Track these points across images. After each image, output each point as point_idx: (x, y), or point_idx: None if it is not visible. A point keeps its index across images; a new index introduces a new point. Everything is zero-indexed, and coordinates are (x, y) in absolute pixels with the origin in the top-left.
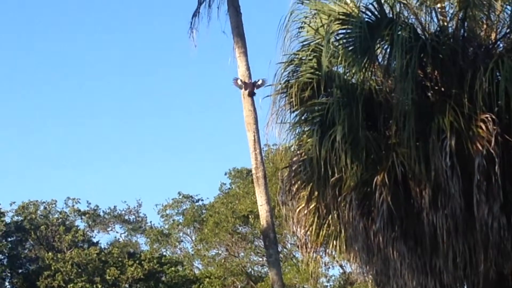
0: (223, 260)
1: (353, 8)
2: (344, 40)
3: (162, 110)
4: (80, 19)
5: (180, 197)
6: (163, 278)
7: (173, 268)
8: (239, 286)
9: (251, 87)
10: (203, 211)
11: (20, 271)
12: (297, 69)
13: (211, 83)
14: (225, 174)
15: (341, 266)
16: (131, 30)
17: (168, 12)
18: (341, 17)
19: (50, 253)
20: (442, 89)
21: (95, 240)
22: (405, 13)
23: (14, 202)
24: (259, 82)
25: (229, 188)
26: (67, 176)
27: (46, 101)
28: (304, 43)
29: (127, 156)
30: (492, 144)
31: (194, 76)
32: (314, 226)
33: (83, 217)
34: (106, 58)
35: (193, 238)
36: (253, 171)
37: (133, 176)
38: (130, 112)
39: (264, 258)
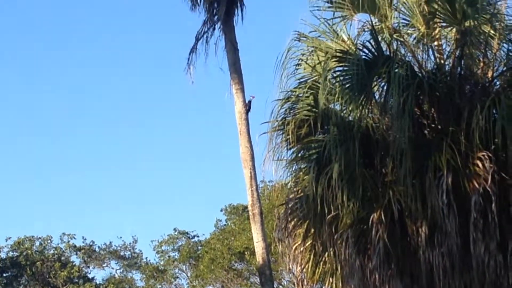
0: None
1: (350, 46)
2: (341, 78)
3: (158, 147)
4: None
5: (176, 233)
6: None
7: None
8: None
9: (247, 107)
10: (199, 247)
11: None
12: (294, 106)
13: (208, 119)
14: (221, 210)
15: None
16: (125, 69)
17: (164, 50)
18: (338, 54)
19: None
20: (439, 126)
21: (90, 276)
22: (402, 51)
23: (9, 238)
24: (251, 98)
25: (224, 225)
26: (62, 212)
27: (42, 132)
28: (301, 80)
29: (123, 192)
30: (489, 182)
31: (190, 112)
32: (310, 264)
33: (78, 252)
34: (101, 91)
35: (189, 275)
36: (249, 208)
37: (128, 212)
38: (126, 147)
39: None
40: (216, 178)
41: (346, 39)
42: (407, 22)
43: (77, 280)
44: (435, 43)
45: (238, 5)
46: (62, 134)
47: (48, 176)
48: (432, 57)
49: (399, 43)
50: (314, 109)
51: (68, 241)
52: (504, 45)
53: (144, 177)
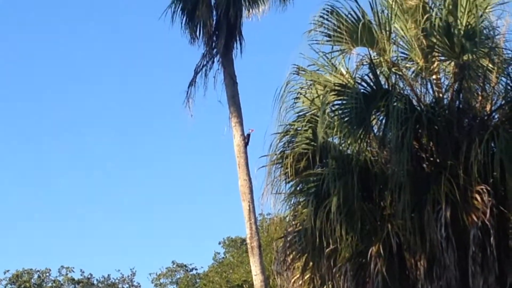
0: None
1: (349, 79)
2: (340, 111)
3: (156, 179)
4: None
5: (174, 266)
6: None
7: None
8: None
9: (246, 140)
10: (197, 280)
11: None
12: (293, 139)
13: (206, 152)
14: (219, 243)
15: None
16: (126, 102)
17: (163, 81)
18: (336, 88)
19: None
20: (438, 160)
21: None
22: (401, 84)
23: (8, 271)
24: (250, 131)
25: (223, 257)
26: (61, 245)
27: (38, 169)
28: (300, 113)
29: (121, 224)
30: (487, 215)
31: (189, 145)
32: None
33: (77, 285)
34: (97, 127)
35: None
36: (248, 241)
37: (127, 245)
38: (124, 180)
39: None
40: (214, 210)
41: (344, 72)
42: (405, 55)
43: None
44: (434, 76)
45: (237, 38)
46: (62, 169)
47: (47, 209)
48: (431, 91)
49: (397, 76)
50: (312, 143)
51: (67, 274)
52: (503, 78)
53: (142, 210)
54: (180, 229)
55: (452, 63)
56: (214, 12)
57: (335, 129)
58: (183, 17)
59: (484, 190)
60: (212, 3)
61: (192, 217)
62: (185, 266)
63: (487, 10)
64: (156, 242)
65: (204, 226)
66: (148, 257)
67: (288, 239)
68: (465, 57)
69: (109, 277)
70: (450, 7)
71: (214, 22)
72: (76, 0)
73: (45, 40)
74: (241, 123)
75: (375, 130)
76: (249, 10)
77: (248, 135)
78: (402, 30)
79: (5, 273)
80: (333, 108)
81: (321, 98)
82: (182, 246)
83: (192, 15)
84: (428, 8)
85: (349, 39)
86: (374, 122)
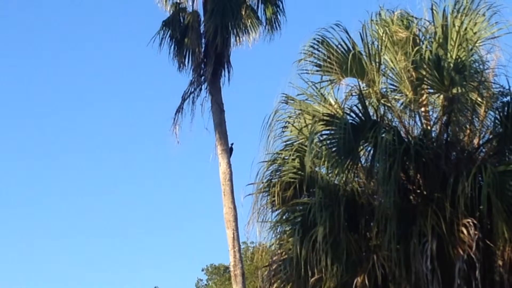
0: None
1: (338, 110)
2: (328, 141)
3: (140, 204)
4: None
5: None
6: None
7: None
8: None
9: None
10: None
11: None
12: (280, 168)
13: (192, 179)
14: (202, 270)
15: None
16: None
17: (150, 107)
18: (325, 118)
19: None
20: (425, 192)
21: None
22: (389, 116)
23: None
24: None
25: (205, 285)
26: (43, 268)
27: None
28: (288, 142)
29: (104, 248)
30: (473, 249)
31: (174, 171)
32: None
33: None
34: (85, 152)
35: None
36: (231, 269)
37: (110, 269)
38: (108, 204)
39: None
40: (198, 237)
41: (333, 102)
42: (394, 87)
43: None
44: (422, 109)
45: (225, 66)
46: (47, 191)
47: (33, 231)
48: (419, 123)
49: (386, 108)
50: (300, 172)
51: None
52: (491, 113)
53: (126, 235)
54: (163, 254)
55: (441, 96)
56: (203, 40)
57: (323, 159)
58: (172, 44)
59: (471, 223)
60: (201, 31)
61: (175, 243)
62: None
63: (477, 44)
64: (139, 267)
65: (188, 253)
66: (130, 282)
67: (273, 267)
68: (454, 91)
69: None
70: (441, 40)
71: (202, 50)
72: (63, 24)
73: (31, 67)
74: (227, 151)
75: (363, 161)
76: (237, 39)
77: (231, 148)
78: (392, 62)
79: None
80: (321, 138)
81: (309, 127)
82: (165, 272)
83: (180, 42)
84: (418, 41)
85: (338, 70)
86: (362, 153)
